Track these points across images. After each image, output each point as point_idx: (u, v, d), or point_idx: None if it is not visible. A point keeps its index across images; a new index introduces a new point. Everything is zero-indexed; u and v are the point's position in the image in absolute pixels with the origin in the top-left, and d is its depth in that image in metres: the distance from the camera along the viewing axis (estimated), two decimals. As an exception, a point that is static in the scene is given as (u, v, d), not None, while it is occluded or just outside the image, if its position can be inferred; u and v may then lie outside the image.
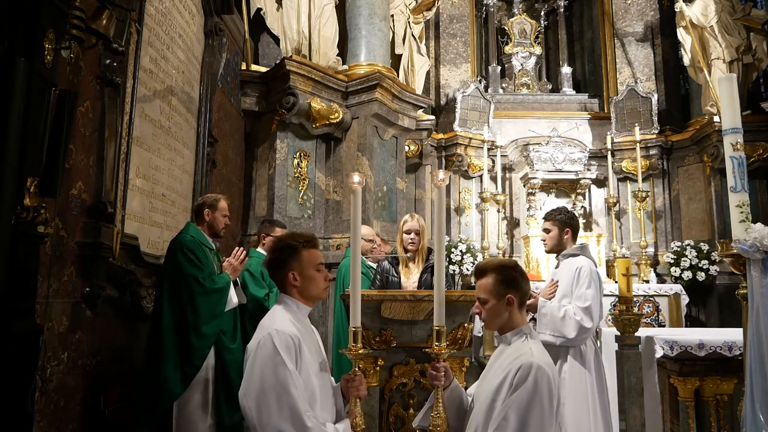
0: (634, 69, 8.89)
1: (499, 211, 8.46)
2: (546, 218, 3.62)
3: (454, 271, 7.77)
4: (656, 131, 8.27)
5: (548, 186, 8.32)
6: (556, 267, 3.54)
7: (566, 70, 9.55)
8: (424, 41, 8.27)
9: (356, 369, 2.08)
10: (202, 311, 3.16)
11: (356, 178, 2.11)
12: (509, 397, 1.85)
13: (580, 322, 3.13)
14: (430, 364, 2.05)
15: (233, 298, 3.32)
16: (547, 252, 3.66)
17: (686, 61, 7.93)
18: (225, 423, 3.24)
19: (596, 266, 3.42)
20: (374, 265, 4.20)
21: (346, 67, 6.47)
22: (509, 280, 2.02)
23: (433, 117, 8.08)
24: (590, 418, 3.15)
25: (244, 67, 6.04)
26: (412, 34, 7.83)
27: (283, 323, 1.94)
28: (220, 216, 3.48)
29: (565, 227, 3.50)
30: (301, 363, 1.90)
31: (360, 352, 2.05)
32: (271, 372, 1.83)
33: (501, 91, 9.41)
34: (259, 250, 4.33)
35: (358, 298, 2.08)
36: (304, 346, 1.93)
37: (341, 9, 6.70)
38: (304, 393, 1.87)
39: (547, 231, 3.56)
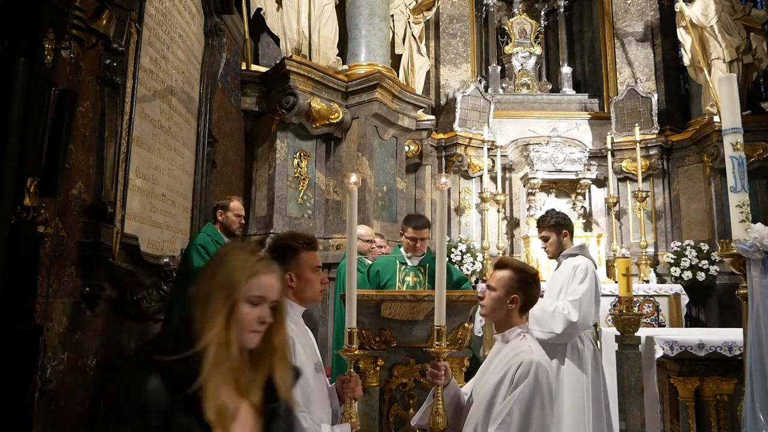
0: (634, 69, 8.89)
1: (499, 211, 8.46)
2: (540, 226, 3.60)
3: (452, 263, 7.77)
4: (656, 131, 8.27)
5: (548, 186, 8.32)
6: (557, 268, 3.54)
7: (566, 70, 9.55)
8: (424, 41, 8.27)
9: (351, 370, 2.08)
10: None
11: (353, 178, 2.10)
12: (511, 393, 1.87)
13: (567, 316, 3.14)
14: (430, 363, 2.06)
15: None
16: (551, 258, 3.64)
17: (686, 61, 7.93)
18: None
19: (595, 265, 3.42)
20: (373, 265, 4.19)
21: (346, 67, 6.47)
22: (523, 281, 2.07)
23: (433, 117, 8.08)
24: (584, 421, 3.15)
25: (244, 67, 6.04)
26: (412, 34, 7.83)
27: None
28: (232, 215, 3.57)
29: (561, 230, 3.49)
30: (296, 363, 1.89)
31: (356, 353, 2.04)
32: None
33: (501, 91, 9.41)
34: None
35: (353, 299, 2.07)
36: (299, 347, 1.92)
37: (341, 9, 6.70)
38: (299, 393, 1.86)
39: (545, 239, 3.55)
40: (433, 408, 2.01)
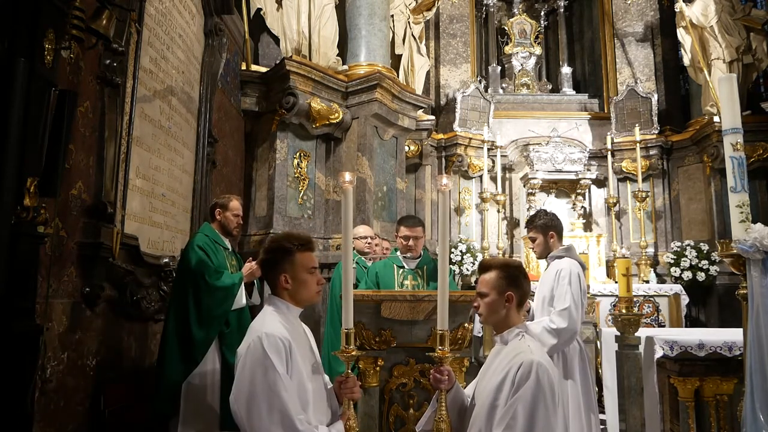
0: (634, 69, 8.89)
1: (499, 211, 8.46)
2: (528, 227, 3.64)
3: (453, 271, 7.76)
4: (656, 131, 8.27)
5: (548, 186, 8.32)
6: (545, 270, 3.57)
7: (566, 70, 9.55)
8: (424, 41, 8.27)
9: (348, 371, 2.06)
10: (205, 307, 3.20)
11: (347, 177, 2.09)
12: (513, 395, 1.84)
13: (555, 328, 3.15)
14: (433, 368, 2.04)
15: (241, 298, 3.34)
16: (539, 258, 3.68)
17: (686, 61, 7.93)
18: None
19: (582, 265, 3.42)
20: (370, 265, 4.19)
21: (346, 67, 6.47)
22: (512, 277, 2.04)
23: (433, 117, 8.07)
24: (582, 423, 3.16)
25: (244, 67, 6.04)
26: (412, 34, 7.83)
27: (273, 326, 1.92)
28: (231, 215, 3.55)
29: (548, 231, 3.50)
30: (292, 365, 1.88)
31: (353, 353, 2.03)
32: (261, 376, 1.81)
33: (501, 91, 9.41)
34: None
35: (350, 299, 2.05)
36: (295, 349, 1.91)
37: (341, 9, 6.70)
38: (296, 396, 1.85)
39: (533, 240, 3.57)
40: (436, 414, 2.00)
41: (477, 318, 2.87)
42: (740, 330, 2.53)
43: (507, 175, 8.67)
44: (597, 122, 8.82)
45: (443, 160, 8.53)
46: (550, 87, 9.69)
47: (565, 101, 9.24)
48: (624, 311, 3.69)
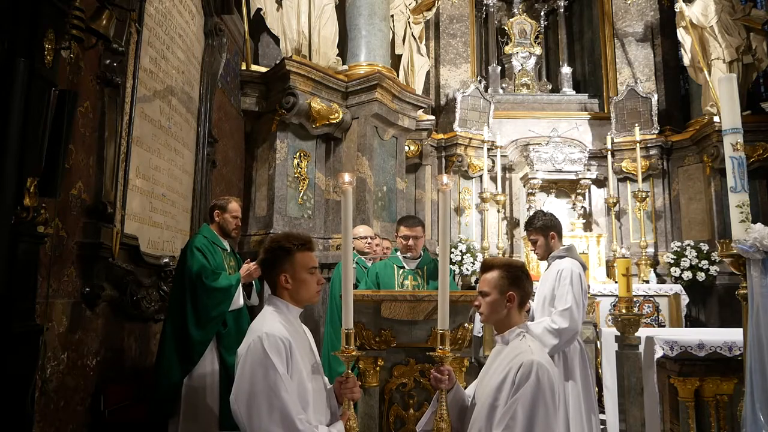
0: (634, 69, 8.88)
1: (499, 211, 8.46)
2: (527, 229, 3.63)
3: (453, 271, 7.76)
4: (656, 131, 8.27)
5: (548, 186, 8.32)
6: (547, 269, 3.57)
7: (566, 70, 9.54)
8: (424, 41, 8.27)
9: (348, 371, 2.06)
10: (202, 308, 3.21)
11: (347, 177, 2.10)
12: (513, 395, 1.84)
13: (556, 328, 3.15)
14: (434, 368, 2.04)
15: (239, 299, 3.34)
16: (541, 260, 3.68)
17: (686, 61, 7.93)
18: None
19: (582, 265, 3.42)
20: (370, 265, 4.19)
21: (346, 67, 6.47)
22: (514, 278, 2.04)
23: (433, 117, 8.07)
24: (583, 424, 3.17)
25: (244, 67, 6.04)
26: (412, 34, 7.83)
27: (273, 326, 1.92)
28: (229, 217, 3.56)
29: (548, 231, 3.50)
30: (292, 365, 1.88)
31: (353, 354, 2.03)
32: (261, 376, 1.81)
33: (501, 91, 9.41)
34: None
35: (350, 300, 2.06)
36: (296, 348, 1.92)
37: (341, 9, 6.70)
38: (296, 396, 1.86)
39: (534, 242, 3.57)
40: (437, 413, 2.00)
41: (477, 318, 2.87)
42: (740, 330, 2.53)
43: (507, 175, 8.67)
44: (597, 122, 8.82)
45: (443, 160, 8.52)
46: (550, 87, 9.69)
47: (565, 101, 9.23)
48: (624, 311, 3.69)
